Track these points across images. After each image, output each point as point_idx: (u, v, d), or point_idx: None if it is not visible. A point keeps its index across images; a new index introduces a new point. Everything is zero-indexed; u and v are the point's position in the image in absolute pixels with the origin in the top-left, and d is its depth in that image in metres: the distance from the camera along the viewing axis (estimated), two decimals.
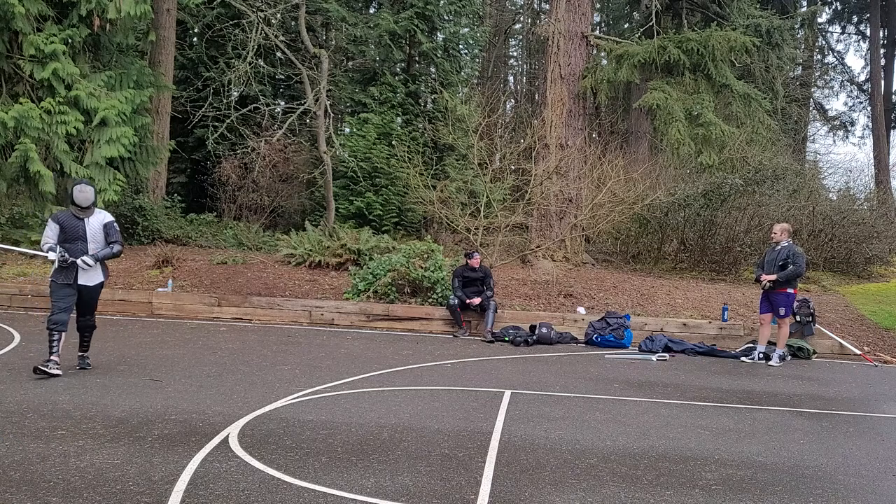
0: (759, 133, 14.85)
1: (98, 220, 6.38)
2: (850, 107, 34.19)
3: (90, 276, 6.36)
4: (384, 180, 16.76)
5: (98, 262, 6.37)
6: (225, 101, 16.92)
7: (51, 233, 6.23)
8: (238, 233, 15.70)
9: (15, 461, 4.01)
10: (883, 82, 29.66)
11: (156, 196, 16.23)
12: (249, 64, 15.86)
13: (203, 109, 16.65)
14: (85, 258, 6.23)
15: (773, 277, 8.66)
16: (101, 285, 6.51)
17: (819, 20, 28.22)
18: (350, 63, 22.41)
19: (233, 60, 16.91)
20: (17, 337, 8.17)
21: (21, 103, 11.52)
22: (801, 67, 27.99)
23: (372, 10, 20.95)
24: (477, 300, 9.98)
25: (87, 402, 5.35)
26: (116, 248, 6.44)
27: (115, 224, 6.53)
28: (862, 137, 34.59)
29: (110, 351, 7.51)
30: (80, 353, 6.62)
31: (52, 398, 5.44)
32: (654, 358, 8.72)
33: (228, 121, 16.45)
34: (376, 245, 12.76)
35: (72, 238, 6.23)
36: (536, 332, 9.56)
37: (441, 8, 18.62)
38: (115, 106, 12.30)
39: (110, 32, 12.87)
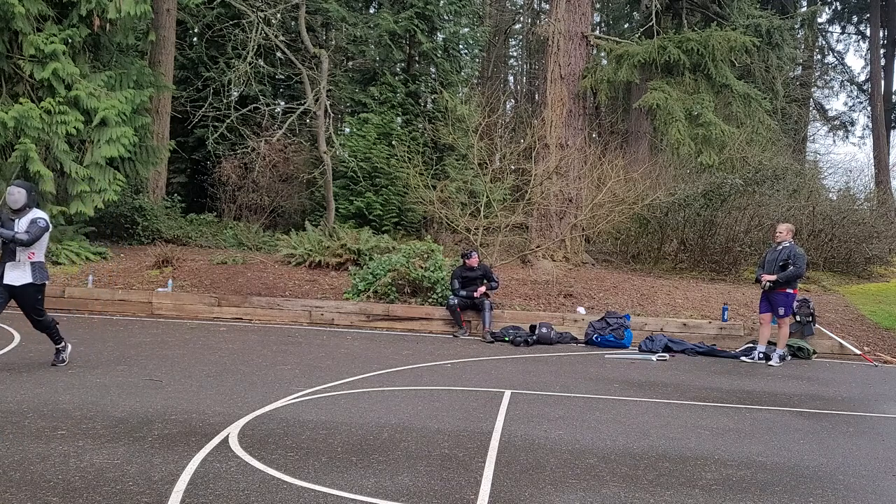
0: (759, 133, 14.84)
1: (27, 219, 6.26)
2: (850, 107, 34.22)
3: (14, 276, 6.27)
4: (384, 180, 16.76)
5: (4, 239, 6.18)
6: (225, 101, 16.92)
7: None
8: (238, 233, 15.70)
9: (15, 461, 4.01)
10: (883, 82, 29.64)
11: (156, 196, 16.23)
12: (249, 64, 15.85)
13: (203, 109, 16.65)
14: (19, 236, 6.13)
15: (773, 278, 8.67)
16: (30, 286, 6.33)
17: (819, 20, 28.22)
18: (350, 63, 22.41)
19: (233, 60, 16.91)
20: (17, 337, 8.16)
21: (21, 103, 11.52)
22: (801, 67, 27.98)
23: (372, 10, 20.93)
24: (483, 289, 10.00)
25: (87, 402, 5.35)
26: (12, 234, 6.12)
27: (40, 221, 6.26)
28: (862, 137, 34.62)
29: (110, 351, 7.51)
30: (56, 348, 6.74)
31: (52, 398, 5.44)
32: (654, 358, 8.72)
33: (228, 121, 16.45)
34: (376, 245, 12.76)
35: (7, 240, 6.22)
36: (536, 332, 9.56)
37: (441, 8, 18.61)
38: (115, 106, 12.30)
39: (110, 32, 12.86)
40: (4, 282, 6.27)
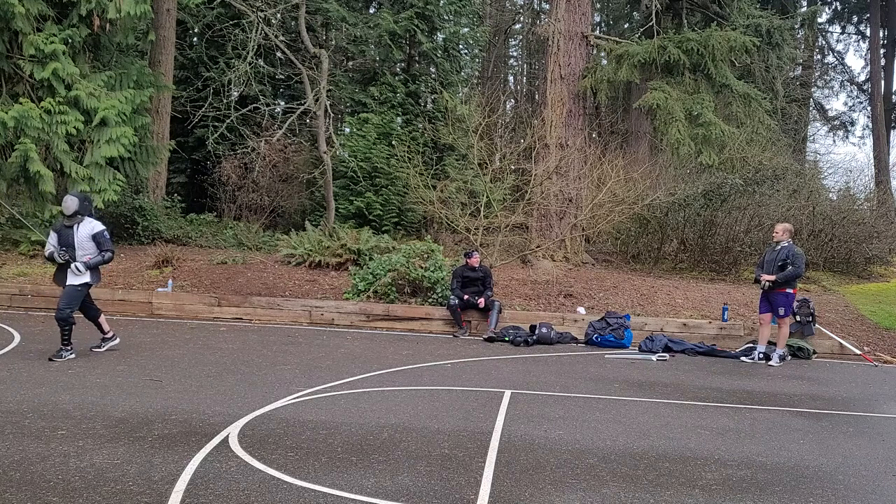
0: (759, 133, 14.84)
1: (86, 231, 7.00)
2: (850, 107, 34.21)
3: (76, 279, 6.96)
4: (384, 180, 16.76)
5: (97, 266, 7.03)
6: (225, 101, 16.91)
7: (52, 240, 7.01)
8: (238, 233, 15.69)
9: (15, 461, 4.01)
10: (883, 82, 29.63)
11: (156, 196, 16.23)
12: (249, 64, 15.85)
13: (203, 109, 16.65)
14: (77, 264, 6.87)
15: (773, 278, 8.66)
16: (86, 285, 7.04)
17: (819, 20, 28.19)
18: (350, 63, 22.41)
19: (233, 60, 16.91)
20: (17, 337, 8.16)
21: (21, 103, 11.51)
22: (801, 67, 27.97)
23: (372, 10, 20.94)
24: (482, 301, 9.99)
25: (87, 402, 5.35)
26: (107, 255, 7.09)
27: (105, 233, 7.10)
28: (862, 137, 34.62)
29: (110, 351, 7.51)
30: (60, 346, 7.05)
31: (52, 398, 5.44)
32: (654, 358, 8.72)
33: (228, 121, 16.44)
34: (376, 245, 12.76)
35: (63, 245, 6.94)
36: (536, 332, 9.56)
37: (441, 8, 18.61)
38: (115, 106, 12.29)
39: (110, 32, 12.86)
40: (67, 283, 6.95)
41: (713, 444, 5.01)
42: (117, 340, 7.58)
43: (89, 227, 7.01)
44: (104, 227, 7.11)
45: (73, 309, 6.96)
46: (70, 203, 6.95)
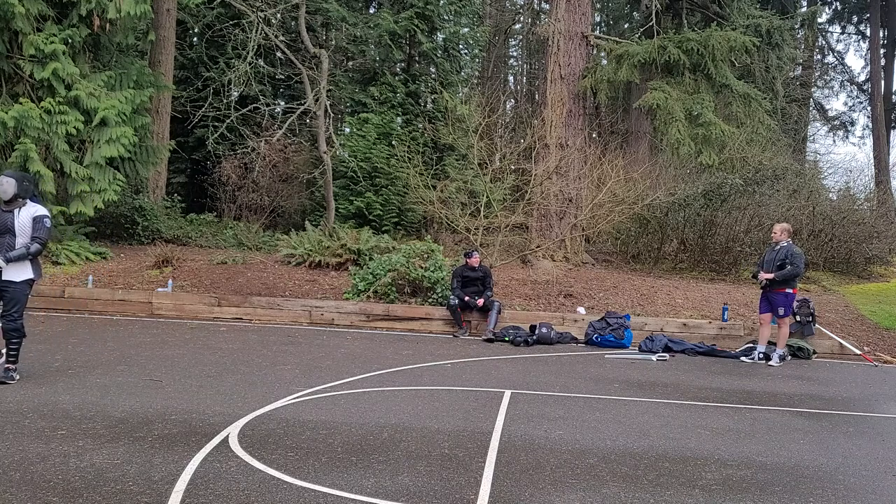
0: (759, 133, 14.84)
1: (28, 214, 5.95)
2: (850, 107, 34.22)
3: (15, 273, 5.91)
4: (384, 180, 16.76)
5: (21, 260, 5.89)
6: (225, 101, 16.92)
7: None
8: (238, 233, 15.70)
9: (15, 461, 4.01)
10: (883, 82, 29.64)
11: (156, 196, 16.24)
12: (249, 64, 15.85)
13: (203, 109, 16.65)
14: None
15: (771, 276, 8.67)
16: (29, 282, 6.02)
17: (819, 20, 28.16)
18: (350, 63, 22.40)
19: (233, 60, 16.91)
20: None
21: (21, 103, 11.51)
22: (801, 67, 27.97)
23: (372, 10, 20.94)
24: (481, 301, 9.98)
25: (87, 402, 5.35)
26: (33, 247, 5.92)
27: (46, 220, 6.01)
28: (862, 137, 34.63)
29: (110, 351, 7.52)
30: (6, 365, 5.98)
31: (52, 398, 5.44)
32: (654, 358, 8.72)
33: (228, 121, 16.44)
34: (376, 245, 12.76)
35: (1, 232, 5.89)
36: (536, 332, 9.56)
37: (441, 8, 18.61)
38: (115, 106, 12.29)
39: (110, 32, 12.86)
40: (3, 279, 5.88)
41: (713, 444, 5.01)
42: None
43: (32, 210, 5.97)
44: (48, 214, 6.06)
45: (22, 315, 6.01)
46: (7, 186, 5.85)
